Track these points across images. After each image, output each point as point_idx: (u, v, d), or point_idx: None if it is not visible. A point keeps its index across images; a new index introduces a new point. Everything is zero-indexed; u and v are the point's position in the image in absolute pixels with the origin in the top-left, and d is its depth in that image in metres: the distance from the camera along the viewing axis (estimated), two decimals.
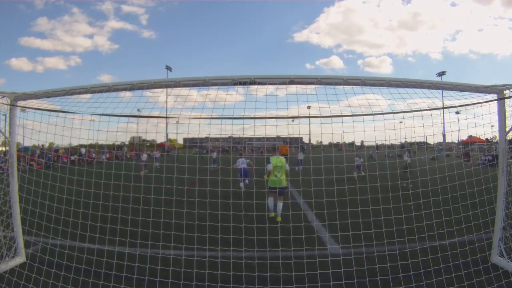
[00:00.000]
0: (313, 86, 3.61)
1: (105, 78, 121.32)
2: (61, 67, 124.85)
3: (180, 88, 3.51)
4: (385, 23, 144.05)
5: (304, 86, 3.48)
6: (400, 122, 3.85)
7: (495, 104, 3.63)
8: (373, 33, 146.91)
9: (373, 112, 3.42)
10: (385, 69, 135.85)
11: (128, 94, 3.54)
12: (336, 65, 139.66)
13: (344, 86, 3.44)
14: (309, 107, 4.45)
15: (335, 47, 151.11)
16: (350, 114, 3.35)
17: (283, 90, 3.53)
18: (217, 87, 3.49)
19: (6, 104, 3.77)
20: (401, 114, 3.56)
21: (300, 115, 3.58)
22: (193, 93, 3.67)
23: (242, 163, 8.80)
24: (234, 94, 3.55)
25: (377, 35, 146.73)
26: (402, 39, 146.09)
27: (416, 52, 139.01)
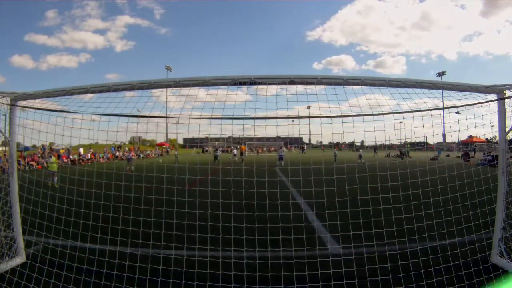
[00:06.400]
0: (313, 86, 3.61)
1: (113, 77, 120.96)
2: (67, 64, 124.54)
3: (180, 88, 3.51)
4: (400, 23, 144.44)
5: (304, 86, 3.49)
6: (400, 122, 3.85)
7: (495, 104, 3.64)
8: (388, 32, 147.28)
9: (373, 113, 3.42)
10: (398, 69, 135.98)
11: (129, 93, 3.54)
12: (349, 66, 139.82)
13: (345, 86, 3.44)
14: (309, 107, 4.45)
15: (347, 47, 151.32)
16: (350, 114, 3.35)
17: (283, 90, 3.54)
18: (217, 87, 3.49)
19: (6, 104, 3.76)
20: (401, 114, 3.56)
21: (300, 115, 3.58)
22: (194, 93, 3.67)
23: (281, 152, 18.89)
24: (235, 94, 3.55)
25: (391, 34, 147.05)
26: (416, 39, 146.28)
27: (431, 53, 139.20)
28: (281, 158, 17.89)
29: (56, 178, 10.09)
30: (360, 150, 24.20)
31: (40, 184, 4.14)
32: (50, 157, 12.31)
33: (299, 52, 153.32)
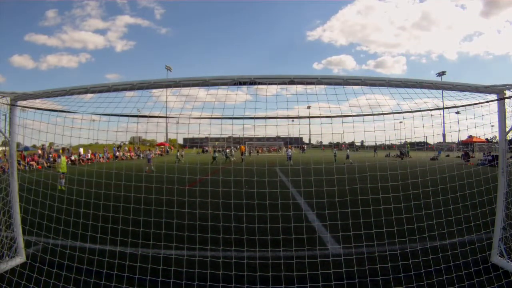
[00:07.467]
0: (313, 86, 3.61)
1: (113, 77, 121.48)
2: (67, 64, 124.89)
3: (180, 88, 3.51)
4: (400, 23, 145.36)
5: (304, 86, 3.49)
6: (400, 122, 3.85)
7: (495, 104, 3.64)
8: (388, 32, 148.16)
9: (373, 113, 3.42)
10: (398, 69, 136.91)
11: (129, 93, 3.54)
12: (349, 66, 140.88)
13: (345, 86, 3.44)
14: (309, 107, 4.46)
15: (348, 47, 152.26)
16: (350, 114, 3.35)
17: (283, 90, 3.54)
18: (217, 87, 3.49)
19: (6, 104, 3.76)
20: (401, 114, 3.56)
21: (300, 115, 3.58)
22: (194, 93, 3.67)
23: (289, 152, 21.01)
24: (235, 94, 3.55)
25: (391, 34, 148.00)
26: (416, 39, 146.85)
27: (431, 53, 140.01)
28: (289, 158, 19.67)
29: (63, 180, 9.90)
30: (348, 150, 25.37)
31: (40, 184, 4.13)
32: (59, 157, 12.07)
33: (299, 52, 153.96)
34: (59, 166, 11.04)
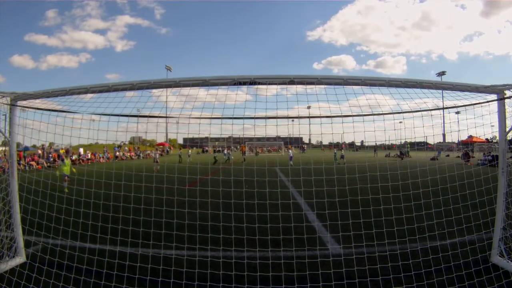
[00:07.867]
0: (313, 86, 3.61)
1: (113, 77, 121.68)
2: (67, 64, 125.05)
3: (180, 88, 3.51)
4: (400, 23, 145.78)
5: (304, 86, 3.48)
6: (400, 122, 3.85)
7: (495, 104, 3.64)
8: (388, 32, 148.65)
9: (373, 113, 3.42)
10: (398, 69, 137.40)
11: (129, 93, 3.54)
12: (349, 66, 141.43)
13: (345, 86, 3.44)
14: (309, 107, 4.46)
15: (348, 47, 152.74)
16: (350, 114, 3.35)
17: (283, 90, 3.54)
18: (217, 87, 3.49)
19: (6, 104, 3.76)
20: (401, 114, 3.56)
21: (300, 115, 3.58)
22: (194, 93, 3.67)
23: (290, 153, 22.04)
24: (235, 94, 3.55)
25: (391, 34, 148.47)
26: (417, 39, 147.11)
27: (431, 52, 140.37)
28: (290, 158, 20.71)
29: (66, 182, 9.32)
30: (342, 151, 25.85)
31: (40, 184, 4.13)
32: (62, 159, 11.39)
33: (299, 52, 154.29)
34: (62, 167, 10.77)
